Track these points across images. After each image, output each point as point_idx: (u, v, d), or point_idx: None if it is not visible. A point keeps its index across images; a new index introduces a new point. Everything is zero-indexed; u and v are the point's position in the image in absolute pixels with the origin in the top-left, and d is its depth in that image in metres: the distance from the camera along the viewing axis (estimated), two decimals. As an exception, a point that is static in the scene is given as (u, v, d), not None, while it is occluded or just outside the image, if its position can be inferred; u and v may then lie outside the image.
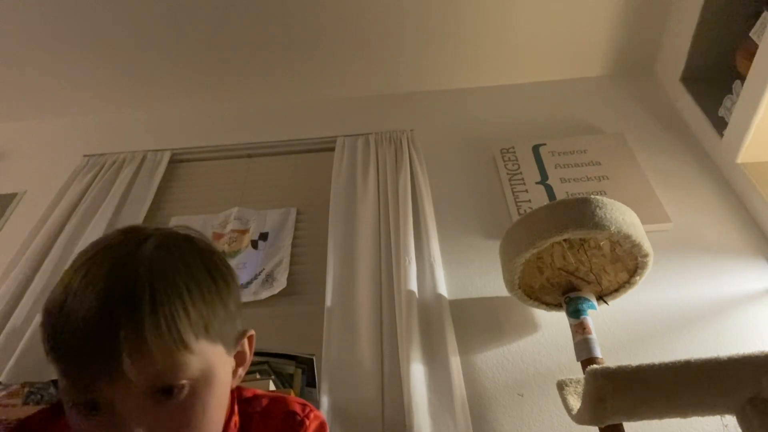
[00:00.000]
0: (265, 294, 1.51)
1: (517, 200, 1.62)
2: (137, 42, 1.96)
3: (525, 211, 1.58)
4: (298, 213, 1.74)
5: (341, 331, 1.33)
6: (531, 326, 1.34)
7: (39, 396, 1.18)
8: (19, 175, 2.01)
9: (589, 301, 1.19)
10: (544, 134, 1.85)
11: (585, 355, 1.09)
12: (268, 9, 1.88)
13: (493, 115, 1.98)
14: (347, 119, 2.03)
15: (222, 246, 1.66)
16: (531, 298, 1.28)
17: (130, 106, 2.19)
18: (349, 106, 2.11)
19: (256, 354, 1.16)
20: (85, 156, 1.99)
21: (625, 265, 1.19)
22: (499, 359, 1.29)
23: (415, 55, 2.03)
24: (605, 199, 1.14)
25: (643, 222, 1.21)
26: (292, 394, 1.16)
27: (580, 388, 1.04)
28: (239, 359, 0.61)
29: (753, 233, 1.47)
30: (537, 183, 1.67)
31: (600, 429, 0.93)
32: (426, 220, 1.54)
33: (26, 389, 1.19)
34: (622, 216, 1.12)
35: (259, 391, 0.69)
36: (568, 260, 1.18)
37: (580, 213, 1.11)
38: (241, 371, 0.61)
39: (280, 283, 1.52)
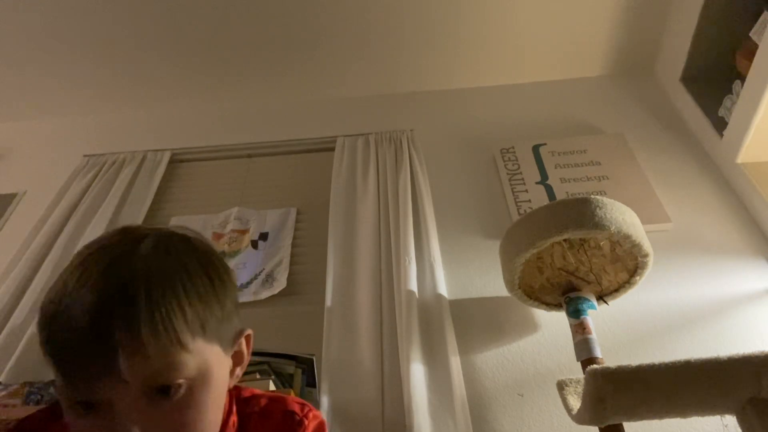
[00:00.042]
0: (265, 294, 1.51)
1: (517, 200, 1.62)
2: (137, 42, 1.96)
3: (525, 211, 1.58)
4: (298, 213, 1.74)
5: (341, 331, 1.33)
6: (531, 326, 1.34)
7: (39, 396, 1.19)
8: (19, 175, 2.01)
9: (589, 301, 1.19)
10: (544, 134, 1.85)
11: (585, 355, 1.08)
12: (268, 9, 1.88)
13: (493, 115, 1.98)
14: (347, 119, 2.03)
15: (222, 246, 1.66)
16: (531, 298, 1.28)
17: (130, 106, 2.19)
18: (349, 106, 2.11)
19: (257, 354, 1.17)
20: (85, 156, 1.99)
21: (625, 265, 1.19)
22: (499, 359, 1.29)
23: (415, 55, 2.03)
24: (605, 199, 1.13)
25: (643, 222, 1.21)
26: (292, 394, 1.16)
27: (580, 388, 1.04)
28: (237, 359, 0.61)
29: (753, 233, 1.47)
30: (537, 183, 1.67)
31: (600, 429, 0.93)
32: (426, 220, 1.54)
33: (26, 389, 1.20)
34: (622, 216, 1.11)
35: (258, 391, 0.69)
36: (568, 260, 1.18)
37: (580, 213, 1.11)
38: (239, 371, 0.61)
39: (280, 283, 1.52)
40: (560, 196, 1.62)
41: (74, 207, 1.76)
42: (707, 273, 1.40)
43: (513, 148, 1.79)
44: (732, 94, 1.59)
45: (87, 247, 0.53)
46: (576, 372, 1.16)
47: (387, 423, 1.17)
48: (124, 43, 1.97)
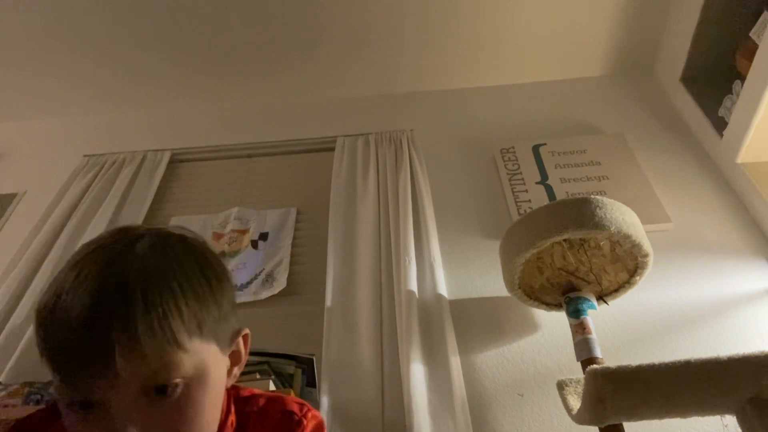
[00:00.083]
0: (265, 294, 1.51)
1: (517, 200, 1.62)
2: (137, 42, 1.97)
3: (525, 211, 1.58)
4: (298, 213, 1.74)
5: (341, 331, 1.33)
6: (531, 326, 1.34)
7: (39, 396, 1.18)
8: (19, 175, 2.01)
9: (589, 301, 1.18)
10: (544, 134, 1.85)
11: (585, 355, 1.08)
12: (268, 9, 1.88)
13: (493, 115, 1.98)
14: (347, 119, 2.03)
15: (222, 246, 1.66)
16: (531, 298, 1.28)
17: (130, 106, 2.19)
18: (349, 106, 2.11)
19: (257, 354, 1.17)
20: (85, 156, 1.99)
21: (625, 265, 1.19)
22: (499, 359, 1.29)
23: (415, 55, 2.03)
24: (605, 199, 1.13)
25: (643, 222, 1.21)
26: (292, 394, 1.16)
27: (580, 388, 1.04)
28: (234, 358, 0.61)
29: (753, 233, 1.47)
30: (537, 183, 1.67)
31: (600, 429, 0.93)
32: (426, 220, 1.54)
33: (26, 389, 1.19)
34: (622, 216, 1.11)
35: (257, 391, 0.69)
36: (568, 260, 1.18)
37: (580, 213, 1.11)
38: (236, 370, 0.61)
39: (280, 283, 1.52)
40: (560, 196, 1.62)
41: (74, 207, 1.76)
42: (707, 273, 1.40)
43: (513, 148, 1.79)
44: (732, 94, 1.59)
45: (83, 247, 0.53)
46: (576, 372, 1.16)
47: (387, 423, 1.17)
48: (124, 43, 1.97)
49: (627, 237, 1.10)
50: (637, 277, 1.21)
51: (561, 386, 1.05)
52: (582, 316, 1.14)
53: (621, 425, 0.92)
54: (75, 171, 1.93)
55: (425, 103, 2.08)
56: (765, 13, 1.45)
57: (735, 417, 0.79)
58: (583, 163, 1.71)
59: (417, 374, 1.20)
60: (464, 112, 2.02)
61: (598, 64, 2.07)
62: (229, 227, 1.71)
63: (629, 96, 1.99)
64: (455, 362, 1.24)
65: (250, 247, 1.65)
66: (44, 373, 1.25)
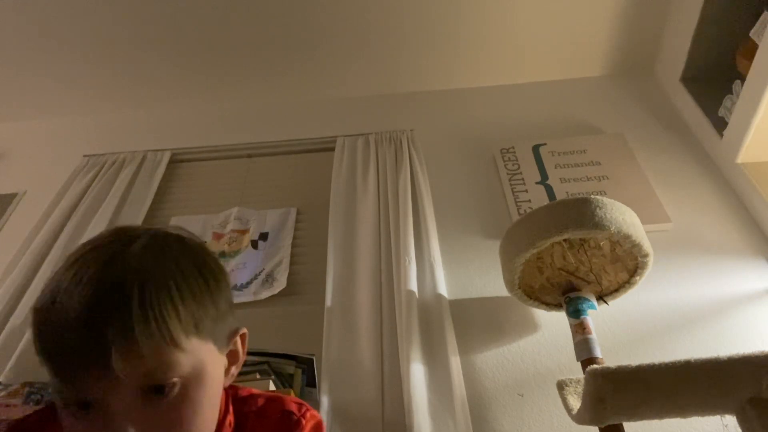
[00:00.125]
0: (265, 294, 1.51)
1: (517, 200, 1.62)
2: (137, 42, 1.97)
3: (525, 211, 1.58)
4: (298, 213, 1.74)
5: (341, 331, 1.33)
6: (531, 326, 1.34)
7: (39, 396, 1.18)
8: (19, 175, 2.01)
9: (589, 301, 1.18)
10: (544, 134, 1.85)
11: (585, 355, 1.08)
12: (268, 9, 1.88)
13: (493, 115, 1.98)
14: (347, 119, 2.03)
15: (222, 246, 1.66)
16: (531, 298, 1.28)
17: (130, 106, 2.19)
18: (349, 106, 2.11)
19: (257, 354, 1.17)
20: (85, 156, 1.99)
21: (625, 265, 1.19)
22: (499, 359, 1.28)
23: (415, 55, 2.03)
24: (605, 199, 1.13)
25: (643, 222, 1.21)
26: (292, 394, 1.16)
27: (580, 388, 1.04)
28: (232, 358, 0.61)
29: (753, 233, 1.47)
30: (537, 183, 1.67)
31: (600, 429, 0.93)
32: (426, 220, 1.54)
33: (26, 389, 1.19)
34: (622, 216, 1.11)
35: (256, 391, 0.69)
36: (568, 260, 1.18)
37: (580, 213, 1.10)
38: (234, 370, 0.61)
39: (280, 283, 1.52)
40: (560, 196, 1.62)
41: (74, 207, 1.76)
42: (707, 273, 1.40)
43: (513, 148, 1.79)
44: (732, 94, 1.59)
45: (80, 247, 0.53)
46: (576, 372, 1.16)
47: (387, 423, 1.17)
48: (124, 43, 1.97)
49: (627, 237, 1.10)
50: (637, 277, 1.21)
51: (561, 386, 1.05)
52: (582, 316, 1.14)
53: (621, 425, 0.92)
54: (75, 171, 1.93)
55: (425, 103, 2.08)
56: (765, 13, 1.45)
57: (735, 417, 0.79)
58: (583, 163, 1.71)
59: (417, 374, 1.20)
60: (464, 112, 2.02)
61: (598, 64, 2.07)
62: (229, 227, 1.71)
63: (629, 96, 1.99)
64: (455, 362, 1.23)
65: (250, 247, 1.65)
66: (44, 373, 1.25)
